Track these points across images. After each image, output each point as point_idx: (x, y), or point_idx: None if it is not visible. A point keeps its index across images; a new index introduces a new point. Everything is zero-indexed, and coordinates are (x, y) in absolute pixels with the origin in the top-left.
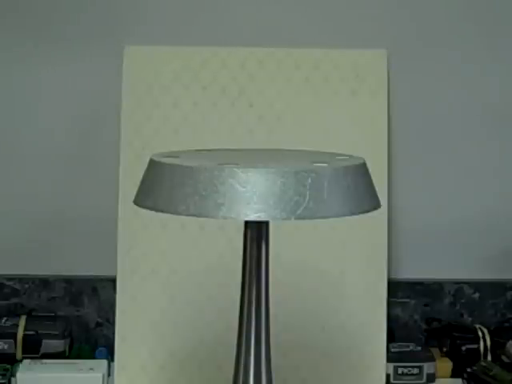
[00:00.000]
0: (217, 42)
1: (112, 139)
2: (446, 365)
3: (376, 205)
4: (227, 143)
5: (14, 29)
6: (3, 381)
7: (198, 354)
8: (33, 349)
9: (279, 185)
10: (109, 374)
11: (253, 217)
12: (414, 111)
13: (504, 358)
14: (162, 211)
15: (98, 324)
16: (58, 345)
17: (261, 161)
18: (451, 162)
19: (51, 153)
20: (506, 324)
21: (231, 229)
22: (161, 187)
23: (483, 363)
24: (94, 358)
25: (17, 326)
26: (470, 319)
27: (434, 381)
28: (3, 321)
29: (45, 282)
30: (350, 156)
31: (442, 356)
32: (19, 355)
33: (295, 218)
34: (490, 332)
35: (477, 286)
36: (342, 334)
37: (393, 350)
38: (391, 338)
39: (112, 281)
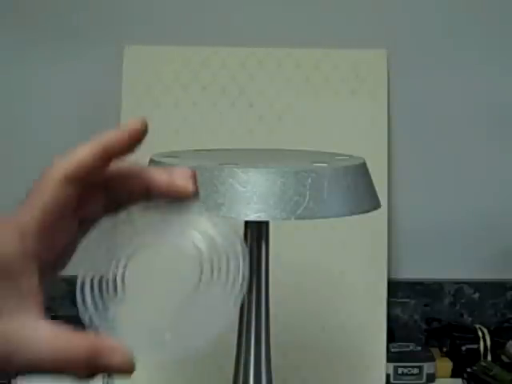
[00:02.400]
0: (217, 42)
1: None
2: (445, 365)
3: (376, 205)
4: (227, 143)
5: (13, 29)
6: (3, 381)
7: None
8: None
9: (279, 185)
10: (109, 374)
11: (253, 217)
12: (413, 111)
13: (504, 357)
14: None
15: None
16: None
17: (261, 161)
18: (451, 162)
19: (51, 153)
20: (506, 324)
21: None
22: None
23: (483, 363)
24: None
25: None
26: (470, 319)
27: (433, 381)
28: None
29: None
30: (350, 156)
31: (441, 356)
32: None
33: (295, 218)
34: (489, 332)
35: (477, 285)
36: (342, 334)
37: (393, 349)
38: (391, 338)
39: None
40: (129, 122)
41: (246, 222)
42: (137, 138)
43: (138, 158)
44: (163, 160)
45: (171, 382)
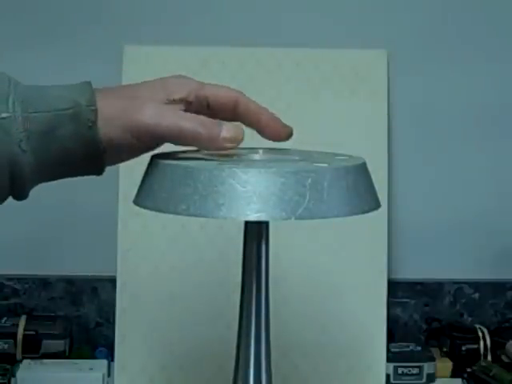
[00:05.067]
0: (216, 42)
1: None
2: (446, 365)
3: (376, 205)
4: None
5: (12, 29)
6: (3, 381)
7: (198, 354)
8: (33, 349)
9: (279, 185)
10: (109, 374)
11: (253, 217)
12: (414, 111)
13: (504, 357)
14: (162, 211)
15: (98, 324)
16: (57, 345)
17: (261, 161)
18: (451, 162)
19: None
20: (506, 324)
21: (231, 229)
22: (161, 187)
23: (483, 363)
24: (94, 357)
25: (17, 326)
26: (469, 319)
27: (434, 381)
28: (3, 321)
29: (45, 282)
30: (350, 156)
31: (442, 356)
32: (19, 355)
33: (295, 218)
34: (489, 332)
35: (477, 285)
36: (342, 334)
37: (393, 350)
38: (391, 338)
39: (112, 281)
40: (282, 127)
41: (246, 222)
42: (274, 136)
43: (137, 158)
44: (163, 160)
45: (171, 382)
